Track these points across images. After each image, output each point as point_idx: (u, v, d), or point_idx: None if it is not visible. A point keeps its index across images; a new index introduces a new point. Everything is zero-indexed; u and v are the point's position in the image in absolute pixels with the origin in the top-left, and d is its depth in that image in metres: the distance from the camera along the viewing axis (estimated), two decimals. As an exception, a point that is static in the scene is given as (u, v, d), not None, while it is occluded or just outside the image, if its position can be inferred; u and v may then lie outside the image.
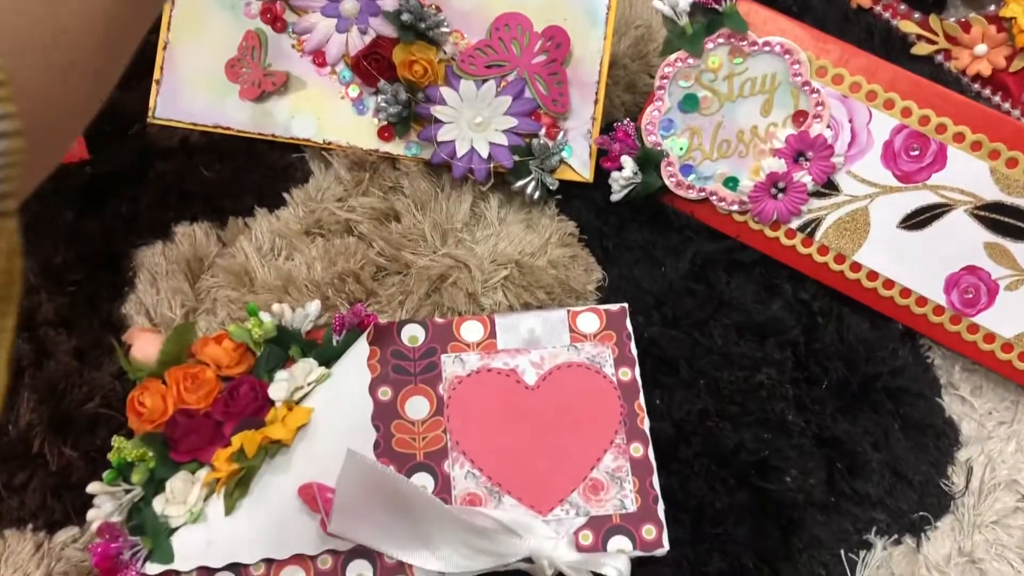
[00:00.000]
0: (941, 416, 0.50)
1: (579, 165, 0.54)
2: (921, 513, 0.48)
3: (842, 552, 0.46)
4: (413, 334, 0.48)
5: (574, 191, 0.54)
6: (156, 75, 0.53)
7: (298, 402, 0.45)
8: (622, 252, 0.53)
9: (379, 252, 0.51)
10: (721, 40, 0.50)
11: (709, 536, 0.45)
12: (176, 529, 0.42)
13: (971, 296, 0.49)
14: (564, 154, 0.53)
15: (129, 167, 0.53)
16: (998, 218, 0.49)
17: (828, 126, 0.49)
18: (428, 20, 0.52)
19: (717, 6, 0.50)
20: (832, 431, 0.48)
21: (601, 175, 0.53)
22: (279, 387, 0.45)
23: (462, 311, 0.50)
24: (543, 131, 0.53)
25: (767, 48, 0.50)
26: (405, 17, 0.52)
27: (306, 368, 0.45)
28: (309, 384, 0.45)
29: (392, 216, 0.53)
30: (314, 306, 0.47)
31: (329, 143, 0.54)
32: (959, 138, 0.49)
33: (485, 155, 0.52)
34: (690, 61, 0.51)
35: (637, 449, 0.46)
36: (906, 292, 0.50)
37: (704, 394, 0.48)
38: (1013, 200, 0.48)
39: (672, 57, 0.51)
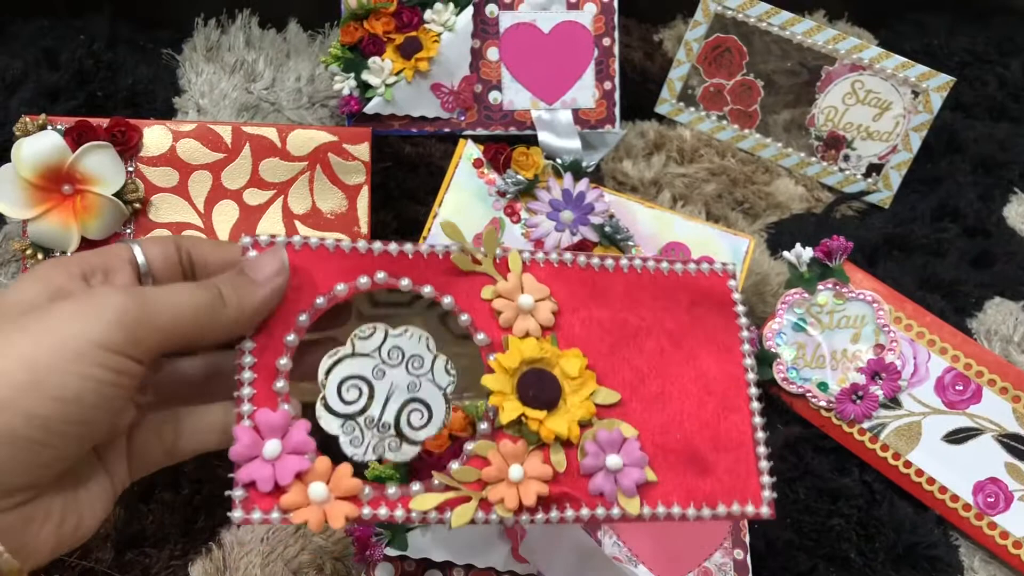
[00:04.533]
0: (963, 587, 0.65)
1: (712, 354, 0.73)
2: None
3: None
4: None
5: (704, 372, 0.73)
6: (425, 233, 0.75)
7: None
8: (734, 423, 0.71)
9: (561, 383, 0.70)
10: (828, 286, 0.71)
11: (786, 628, 0.60)
12: (410, 529, 0.58)
13: (992, 500, 0.66)
14: (702, 344, 0.73)
15: (394, 289, 0.73)
16: (1016, 445, 0.67)
17: (898, 358, 0.69)
18: (621, 234, 0.75)
19: (829, 263, 0.71)
20: (882, 574, 0.63)
21: (726, 364, 0.73)
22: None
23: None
24: (689, 325, 0.73)
25: (861, 297, 0.71)
26: (606, 229, 0.74)
27: (511, 443, 0.63)
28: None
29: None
30: (521, 404, 0.65)
31: (535, 303, 0.74)
32: (992, 383, 0.68)
33: (646, 333, 0.72)
34: (804, 295, 0.72)
35: (739, 554, 0.62)
36: (943, 489, 0.67)
37: (789, 530, 0.65)
38: (1028, 434, 0.67)
39: (792, 290, 0.72)
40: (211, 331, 0.41)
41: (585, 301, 0.49)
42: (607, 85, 0.83)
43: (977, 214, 0.86)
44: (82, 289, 0.40)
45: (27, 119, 0.67)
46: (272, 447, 0.40)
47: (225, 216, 0.71)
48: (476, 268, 0.48)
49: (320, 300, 0.44)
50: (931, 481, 0.67)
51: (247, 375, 0.42)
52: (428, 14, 0.79)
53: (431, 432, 0.44)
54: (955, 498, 0.67)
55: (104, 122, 0.69)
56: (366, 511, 0.41)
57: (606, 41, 0.83)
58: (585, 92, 0.83)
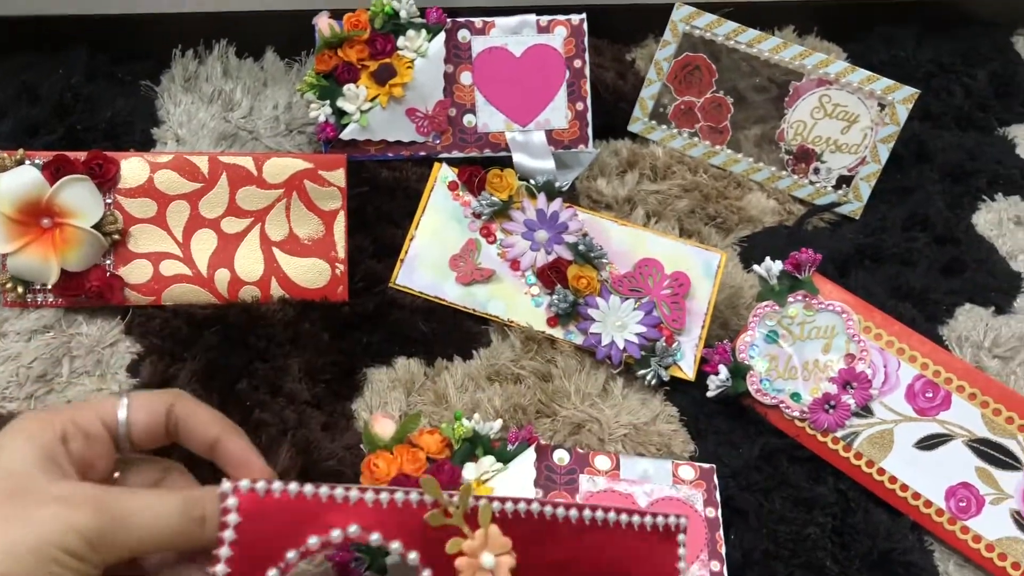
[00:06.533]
0: (938, 591, 0.66)
1: (686, 367, 0.74)
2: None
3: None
4: (561, 456, 0.66)
5: (679, 385, 0.74)
6: (402, 256, 0.77)
7: (483, 483, 0.63)
8: (709, 435, 0.72)
9: (538, 400, 0.71)
10: (799, 297, 0.73)
11: (762, 637, 0.61)
12: (388, 553, 0.59)
13: (964, 505, 0.67)
14: (676, 357, 0.74)
15: (372, 312, 0.74)
16: (986, 450, 0.68)
17: (868, 367, 0.70)
18: (595, 252, 0.76)
19: (798, 275, 0.73)
20: (857, 581, 0.64)
21: (701, 377, 0.74)
22: (469, 470, 0.63)
23: (595, 448, 0.69)
24: (663, 339, 0.74)
25: (830, 308, 0.72)
26: (580, 247, 0.76)
27: (489, 461, 0.64)
28: (490, 472, 0.63)
29: (548, 378, 0.73)
30: (498, 423, 0.66)
31: (512, 321, 0.75)
32: (960, 390, 0.69)
33: (621, 347, 0.73)
34: (776, 308, 0.73)
35: (715, 565, 0.63)
36: (916, 495, 0.68)
37: (766, 540, 0.65)
38: (997, 438, 0.68)
39: (763, 303, 0.73)
40: (185, 550, 0.46)
41: (541, 552, 0.50)
42: (579, 106, 0.85)
43: (946, 222, 0.87)
44: (66, 460, 0.44)
45: (4, 155, 0.68)
46: None
47: (203, 245, 0.72)
48: (447, 522, 0.48)
49: (291, 555, 0.43)
50: (904, 488, 0.69)
51: None
52: (401, 41, 0.81)
53: None
54: (928, 504, 0.68)
55: (82, 155, 0.70)
56: None
57: (577, 63, 0.84)
58: (558, 113, 0.85)
